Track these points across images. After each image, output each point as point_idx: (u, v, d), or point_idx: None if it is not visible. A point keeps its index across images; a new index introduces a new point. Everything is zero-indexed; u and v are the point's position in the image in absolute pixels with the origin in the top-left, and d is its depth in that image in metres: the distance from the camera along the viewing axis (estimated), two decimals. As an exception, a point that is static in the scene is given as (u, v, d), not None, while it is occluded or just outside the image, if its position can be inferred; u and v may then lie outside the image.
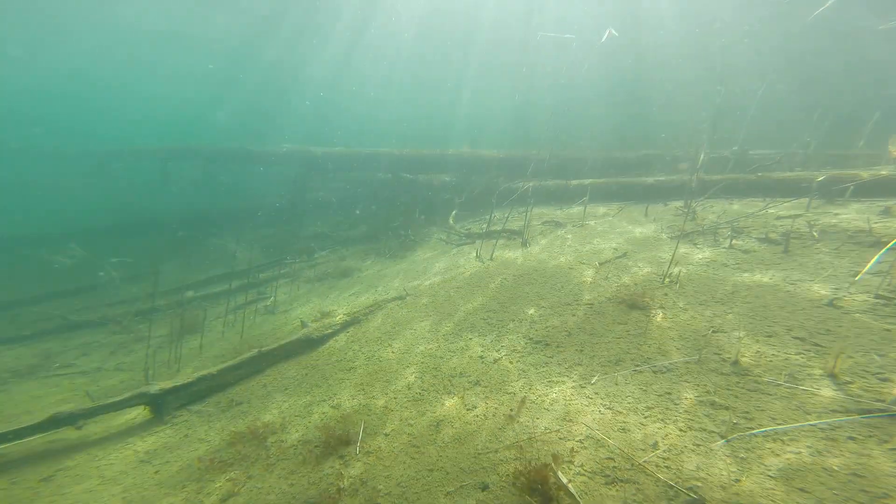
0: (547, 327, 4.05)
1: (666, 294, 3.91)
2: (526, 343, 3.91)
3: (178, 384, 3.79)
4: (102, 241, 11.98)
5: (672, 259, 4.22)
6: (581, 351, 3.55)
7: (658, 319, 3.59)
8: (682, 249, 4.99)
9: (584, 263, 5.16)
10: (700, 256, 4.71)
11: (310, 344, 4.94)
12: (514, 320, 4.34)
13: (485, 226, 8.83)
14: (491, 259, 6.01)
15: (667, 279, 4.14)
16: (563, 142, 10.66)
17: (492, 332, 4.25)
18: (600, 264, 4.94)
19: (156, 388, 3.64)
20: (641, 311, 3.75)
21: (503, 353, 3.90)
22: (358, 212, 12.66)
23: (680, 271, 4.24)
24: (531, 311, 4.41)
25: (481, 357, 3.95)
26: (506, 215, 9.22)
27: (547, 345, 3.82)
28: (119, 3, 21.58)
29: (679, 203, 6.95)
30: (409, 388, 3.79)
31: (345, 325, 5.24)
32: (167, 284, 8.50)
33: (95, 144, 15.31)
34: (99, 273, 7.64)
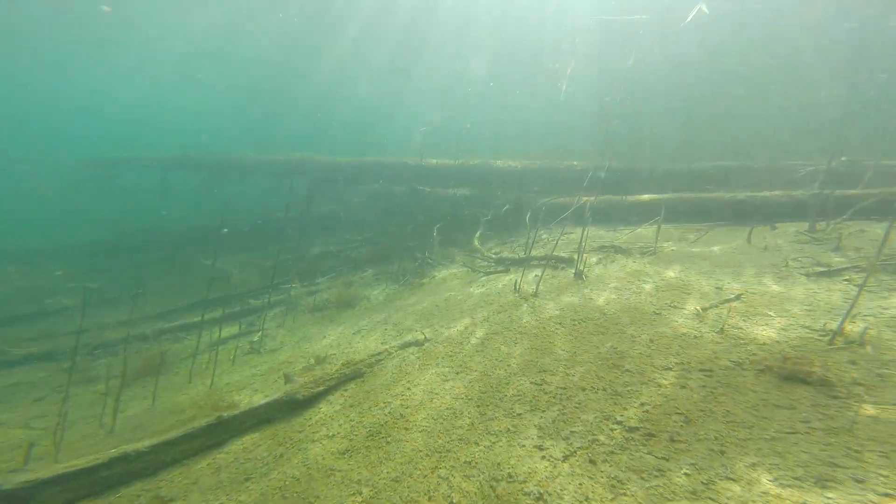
0: (644, 406, 2.75)
1: (853, 363, 2.58)
2: (615, 431, 2.62)
3: (60, 473, 2.60)
4: (81, 261, 11.31)
5: (850, 309, 2.86)
6: (722, 451, 2.24)
7: (868, 408, 2.25)
8: (838, 293, 3.65)
9: (675, 307, 3.87)
10: (885, 305, 3.34)
11: (292, 407, 3.74)
12: (586, 389, 3.06)
13: (518, 250, 7.63)
14: (535, 295, 4.75)
15: (839, 338, 2.82)
16: (614, 149, 9.51)
17: (552, 407, 2.98)
18: (703, 310, 3.63)
19: (15, 480, 2.44)
20: (814, 388, 2.43)
21: (577, 446, 2.61)
22: (368, 229, 11.69)
23: (866, 329, 2.89)
24: (611, 377, 3.13)
25: (540, 448, 2.68)
26: (545, 238, 8.01)
27: (651, 436, 2.52)
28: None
29: (797, 225, 5.58)
30: (430, 497, 2.52)
31: (342, 380, 4.03)
32: (139, 312, 7.54)
33: (93, 154, 15.08)
34: (46, 300, 6.75)
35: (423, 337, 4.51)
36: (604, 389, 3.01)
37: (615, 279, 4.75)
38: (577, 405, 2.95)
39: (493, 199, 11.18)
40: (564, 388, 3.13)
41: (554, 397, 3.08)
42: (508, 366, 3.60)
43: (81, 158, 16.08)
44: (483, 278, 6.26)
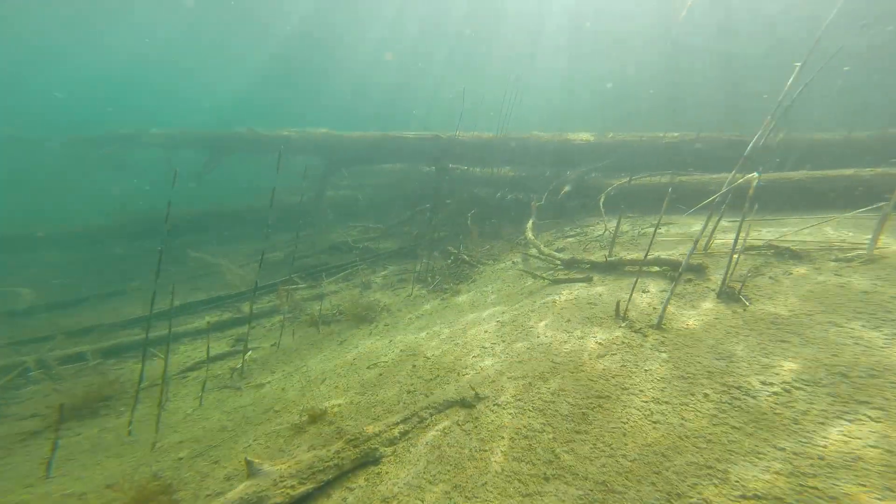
0: None
1: None
2: None
3: None
4: (71, 250, 10.41)
5: None
6: None
7: None
8: None
9: None
10: None
11: (255, 525, 2.26)
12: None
13: (592, 246, 5.90)
14: (659, 328, 3.03)
15: None
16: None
17: None
18: None
19: None
20: None
21: None
22: (391, 216, 10.20)
23: None
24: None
25: None
26: (627, 232, 6.21)
27: None
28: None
29: None
30: None
31: (346, 469, 2.52)
32: (113, 316, 6.36)
33: (90, 130, 14.28)
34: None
35: (471, 392, 2.93)
36: None
37: (816, 306, 2.94)
38: None
39: (543, 181, 9.42)
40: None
41: None
42: (657, 465, 1.96)
43: (86, 135, 15.34)
44: (550, 288, 4.59)
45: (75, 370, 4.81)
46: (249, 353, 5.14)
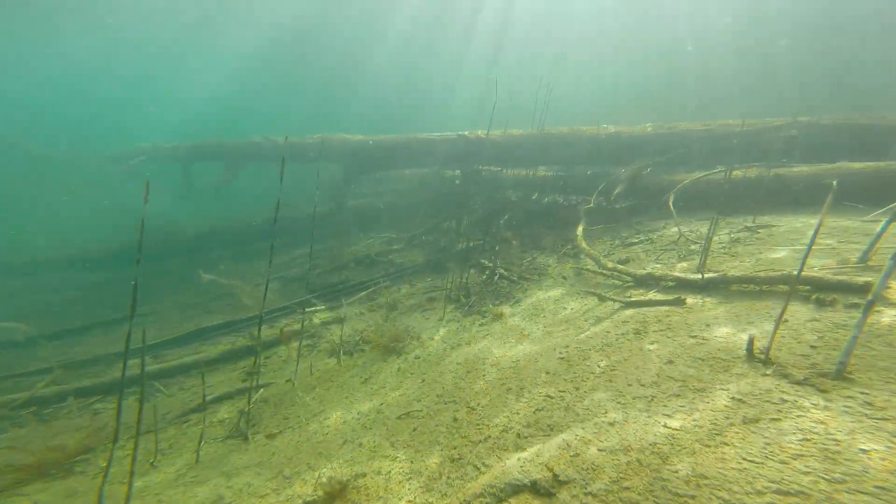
0: None
1: None
2: None
3: None
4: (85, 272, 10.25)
5: None
6: None
7: None
8: None
9: None
10: None
11: None
12: None
13: (665, 257, 5.02)
14: (840, 376, 2.12)
15: None
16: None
17: None
18: None
19: None
20: None
21: None
22: (415, 225, 9.55)
23: None
24: None
25: None
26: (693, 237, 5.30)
27: None
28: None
29: None
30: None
31: None
32: (117, 346, 5.93)
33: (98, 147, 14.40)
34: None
35: (546, 471, 2.14)
36: None
37: None
38: None
39: (585, 180, 8.57)
40: None
41: None
42: None
43: (106, 153, 15.59)
44: (624, 313, 3.74)
45: (62, 412, 4.31)
46: (261, 391, 4.53)
